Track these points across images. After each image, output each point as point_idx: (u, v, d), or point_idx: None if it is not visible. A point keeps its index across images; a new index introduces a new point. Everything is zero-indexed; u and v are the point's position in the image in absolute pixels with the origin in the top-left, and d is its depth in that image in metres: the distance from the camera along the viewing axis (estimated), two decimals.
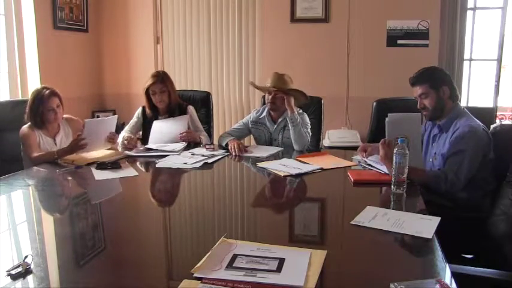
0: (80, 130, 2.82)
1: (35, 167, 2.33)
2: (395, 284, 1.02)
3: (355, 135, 3.78)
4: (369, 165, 2.22)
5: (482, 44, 4.02)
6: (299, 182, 2.11)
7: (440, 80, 2.16)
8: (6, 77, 3.67)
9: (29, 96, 3.50)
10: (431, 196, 1.89)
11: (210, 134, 3.18)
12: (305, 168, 2.19)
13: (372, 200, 1.75)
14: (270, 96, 2.74)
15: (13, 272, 1.11)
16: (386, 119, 2.05)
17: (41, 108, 2.53)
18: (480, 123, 2.09)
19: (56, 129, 2.66)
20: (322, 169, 2.20)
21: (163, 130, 2.82)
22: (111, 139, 2.61)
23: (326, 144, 3.66)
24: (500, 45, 3.86)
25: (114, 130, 2.64)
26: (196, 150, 2.63)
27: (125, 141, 2.71)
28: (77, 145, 2.42)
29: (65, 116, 2.72)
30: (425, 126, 2.36)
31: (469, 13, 3.92)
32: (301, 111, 2.84)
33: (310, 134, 2.78)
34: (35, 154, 2.46)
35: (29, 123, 2.57)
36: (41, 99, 2.53)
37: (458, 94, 2.21)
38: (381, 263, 1.27)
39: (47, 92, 2.55)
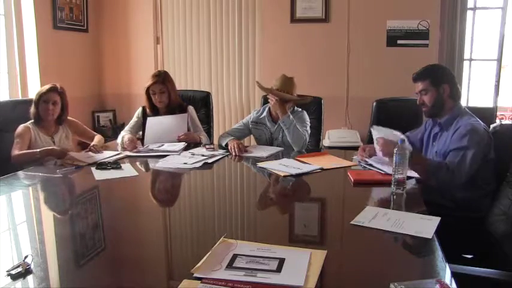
0: (79, 132, 2.84)
1: (37, 167, 2.33)
2: (395, 284, 1.02)
3: (355, 135, 3.78)
4: (369, 165, 2.22)
5: (482, 44, 4.03)
6: (299, 182, 2.11)
7: (442, 78, 2.16)
8: (6, 77, 3.66)
9: (29, 96, 3.54)
10: (431, 196, 1.89)
11: (210, 134, 3.18)
12: (305, 168, 2.19)
13: (372, 200, 1.75)
14: (275, 97, 2.73)
15: (13, 272, 1.11)
16: (372, 129, 2.07)
17: (38, 101, 2.59)
18: (481, 122, 2.09)
19: (53, 128, 2.67)
20: (322, 169, 2.20)
21: (160, 127, 2.82)
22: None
23: (326, 144, 3.66)
24: (500, 45, 3.86)
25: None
26: (196, 150, 2.63)
27: (127, 142, 2.68)
28: (63, 153, 2.42)
29: None
30: (425, 126, 2.36)
31: (469, 13, 3.92)
32: (300, 109, 2.84)
33: (309, 131, 2.78)
34: (16, 152, 2.46)
35: (27, 123, 2.59)
36: (41, 91, 2.60)
37: (460, 93, 2.21)
38: (381, 263, 1.27)
39: (49, 86, 2.62)
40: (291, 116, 2.69)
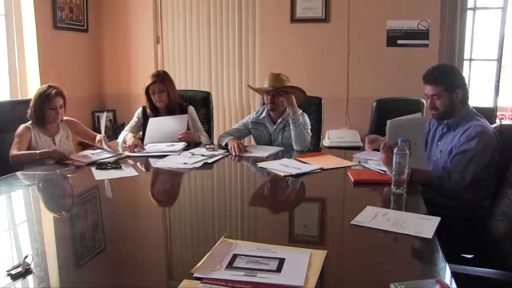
0: (80, 132, 2.83)
1: (37, 167, 2.33)
2: (396, 284, 1.02)
3: (355, 135, 3.78)
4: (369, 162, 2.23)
5: (482, 44, 4.03)
6: (299, 182, 2.11)
7: (456, 83, 2.10)
8: (6, 77, 3.66)
9: (29, 96, 3.53)
10: (431, 196, 1.89)
11: (210, 134, 3.18)
12: (305, 168, 2.19)
13: (372, 200, 1.75)
14: (269, 97, 2.74)
15: (13, 272, 1.11)
16: (387, 125, 2.03)
17: (44, 106, 2.54)
18: (489, 124, 2.08)
19: (55, 129, 2.66)
20: (322, 169, 2.20)
21: (160, 128, 2.82)
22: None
23: (326, 144, 3.66)
24: (500, 45, 3.86)
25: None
26: (196, 150, 2.63)
27: (130, 146, 2.65)
28: (63, 156, 2.41)
29: (64, 118, 2.72)
30: (429, 126, 2.34)
31: (469, 13, 3.92)
32: (301, 111, 2.84)
33: (310, 134, 2.78)
34: (15, 152, 2.44)
35: (28, 123, 2.58)
36: (46, 97, 2.54)
37: (469, 96, 2.18)
38: (381, 263, 1.27)
39: (54, 91, 2.56)
40: (301, 118, 2.69)
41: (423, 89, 2.18)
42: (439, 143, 2.22)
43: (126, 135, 2.81)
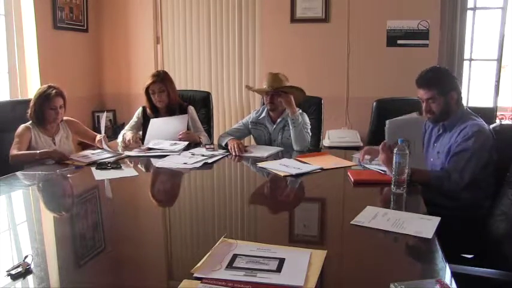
0: (80, 132, 2.83)
1: (37, 167, 2.33)
2: (396, 284, 1.02)
3: (355, 135, 3.78)
4: (369, 164, 2.23)
5: (482, 44, 4.03)
6: (299, 182, 2.11)
7: (449, 86, 2.10)
8: (6, 77, 3.66)
9: (29, 96, 3.53)
10: (431, 196, 1.89)
11: (210, 134, 3.18)
12: (305, 168, 2.19)
13: (372, 200, 1.75)
14: (268, 97, 2.74)
15: (13, 272, 1.11)
16: (386, 125, 2.02)
17: (44, 106, 2.55)
18: (485, 123, 2.08)
19: (55, 129, 2.66)
20: (322, 169, 2.20)
21: (161, 128, 2.82)
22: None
23: (326, 144, 3.66)
24: (500, 45, 3.86)
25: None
26: (196, 150, 2.63)
27: (130, 141, 2.68)
28: (63, 156, 2.42)
29: (64, 118, 2.72)
30: (424, 127, 2.35)
31: (469, 13, 3.92)
32: (300, 111, 2.84)
33: (310, 134, 2.78)
34: (15, 152, 2.44)
35: (28, 123, 2.58)
36: (46, 97, 2.55)
37: (462, 96, 2.18)
38: (381, 263, 1.27)
39: (54, 91, 2.56)
40: (300, 117, 2.69)
41: (417, 93, 2.18)
42: (435, 144, 2.23)
43: (124, 134, 2.82)
